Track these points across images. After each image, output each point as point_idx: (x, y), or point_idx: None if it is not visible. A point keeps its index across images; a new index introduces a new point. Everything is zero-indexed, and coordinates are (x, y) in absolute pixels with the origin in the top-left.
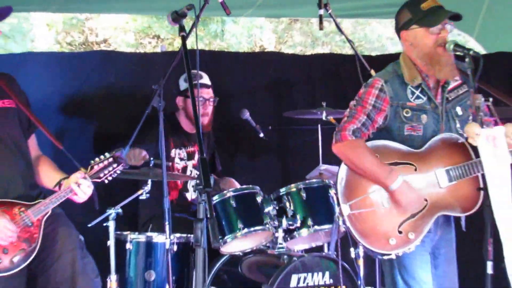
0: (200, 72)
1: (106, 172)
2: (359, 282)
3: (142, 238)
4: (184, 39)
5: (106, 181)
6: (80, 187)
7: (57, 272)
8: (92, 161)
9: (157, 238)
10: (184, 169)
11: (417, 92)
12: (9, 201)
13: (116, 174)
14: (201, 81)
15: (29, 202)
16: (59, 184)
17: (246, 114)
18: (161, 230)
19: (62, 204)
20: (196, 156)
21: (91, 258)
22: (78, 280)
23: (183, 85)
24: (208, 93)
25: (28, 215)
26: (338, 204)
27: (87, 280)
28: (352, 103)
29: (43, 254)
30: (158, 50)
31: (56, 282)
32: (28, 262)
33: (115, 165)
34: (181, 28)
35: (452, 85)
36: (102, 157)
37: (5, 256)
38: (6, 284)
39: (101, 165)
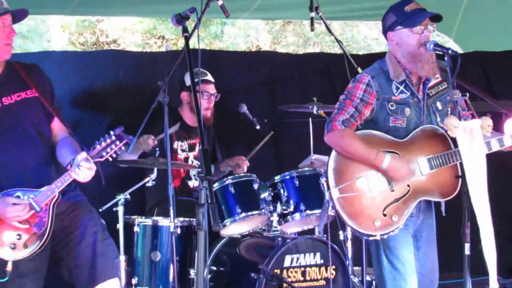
0: (204, 70)
1: (108, 150)
2: (347, 262)
3: (148, 221)
4: (187, 39)
5: (110, 159)
6: (80, 169)
7: (79, 253)
8: (96, 141)
9: (162, 221)
10: (186, 159)
11: (401, 88)
12: (19, 189)
13: (120, 151)
14: (205, 77)
15: (34, 189)
16: (69, 164)
17: (244, 108)
18: (166, 214)
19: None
20: (197, 148)
21: (112, 240)
22: (98, 260)
23: (188, 81)
24: (212, 89)
25: (36, 200)
26: (328, 189)
27: (107, 260)
28: (342, 97)
29: (67, 238)
30: (163, 49)
31: (78, 263)
32: (41, 244)
33: (117, 142)
34: (184, 29)
35: (433, 82)
36: (105, 136)
37: (18, 241)
38: (26, 266)
39: (103, 144)
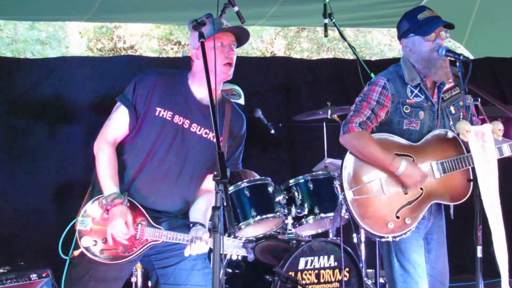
0: (237, 88)
1: (232, 250)
2: (361, 264)
3: None
4: (203, 45)
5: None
6: (194, 246)
7: (172, 274)
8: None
9: None
10: None
11: (416, 91)
12: (140, 209)
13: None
14: (238, 101)
15: (154, 223)
16: (193, 224)
17: (259, 113)
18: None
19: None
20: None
21: (211, 270)
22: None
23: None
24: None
25: (143, 231)
26: (342, 191)
27: None
28: (358, 99)
29: (166, 254)
30: (179, 55)
31: (169, 281)
32: (110, 262)
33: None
34: (201, 35)
35: (447, 86)
36: (238, 239)
37: (102, 244)
38: (112, 273)
39: (230, 241)
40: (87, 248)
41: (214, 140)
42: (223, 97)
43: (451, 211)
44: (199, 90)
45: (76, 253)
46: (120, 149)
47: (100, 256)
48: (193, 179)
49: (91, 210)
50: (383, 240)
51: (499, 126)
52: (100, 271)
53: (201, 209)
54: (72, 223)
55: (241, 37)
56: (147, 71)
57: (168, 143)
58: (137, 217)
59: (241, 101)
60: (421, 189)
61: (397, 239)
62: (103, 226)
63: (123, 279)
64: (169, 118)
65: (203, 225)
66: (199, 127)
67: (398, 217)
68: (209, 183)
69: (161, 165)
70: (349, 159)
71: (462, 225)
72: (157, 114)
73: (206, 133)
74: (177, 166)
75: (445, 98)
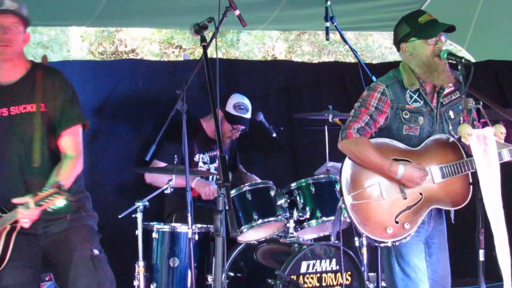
0: (246, 104)
1: (47, 201)
2: (362, 268)
3: (166, 228)
4: (205, 49)
5: (49, 209)
6: (19, 216)
7: (64, 282)
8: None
9: (180, 228)
10: (208, 171)
11: (415, 96)
12: None
13: (56, 205)
14: (245, 115)
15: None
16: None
17: (261, 116)
18: (184, 221)
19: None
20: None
21: (108, 267)
22: None
23: (231, 110)
24: (244, 127)
25: None
26: (341, 196)
27: None
28: (356, 104)
29: (52, 259)
30: (180, 58)
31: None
32: None
33: (56, 195)
34: (203, 39)
35: (446, 91)
36: (47, 186)
37: None
38: (13, 278)
39: (45, 193)
40: None
41: (34, 109)
42: (33, 68)
43: (452, 215)
44: (1, 74)
45: None
46: None
47: None
48: (34, 153)
49: None
50: (382, 245)
51: (501, 129)
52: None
53: (53, 173)
54: None
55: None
56: None
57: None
58: None
59: (248, 115)
60: (421, 194)
61: (397, 243)
62: None
63: (27, 285)
64: None
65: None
66: (16, 107)
67: (397, 222)
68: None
69: (2, 159)
70: (348, 164)
71: (464, 228)
72: None
73: (24, 107)
74: (15, 152)
75: (444, 103)
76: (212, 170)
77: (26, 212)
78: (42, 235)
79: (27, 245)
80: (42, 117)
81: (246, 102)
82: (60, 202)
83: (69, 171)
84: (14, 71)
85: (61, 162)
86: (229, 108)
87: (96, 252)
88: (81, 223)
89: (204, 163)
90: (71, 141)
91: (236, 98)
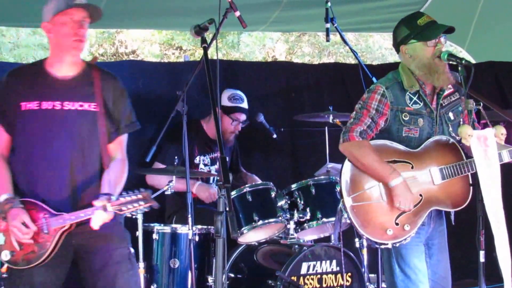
0: (240, 94)
1: (130, 207)
2: (363, 269)
3: (167, 229)
4: (205, 50)
5: (129, 215)
6: (93, 217)
7: (100, 280)
8: (124, 192)
9: (181, 229)
10: (209, 173)
11: (415, 98)
12: (40, 205)
13: (141, 211)
14: (242, 105)
15: (55, 212)
16: (97, 196)
17: (261, 117)
18: (184, 222)
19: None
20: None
21: (136, 271)
22: None
23: (225, 101)
24: (243, 117)
25: (48, 223)
26: (341, 197)
27: None
28: (357, 106)
29: (89, 258)
30: (180, 60)
31: (98, 285)
32: (35, 264)
33: (142, 203)
34: (203, 40)
35: (446, 92)
36: (134, 191)
37: (20, 251)
38: (42, 277)
39: (128, 198)
40: (9, 261)
41: (92, 108)
42: (88, 67)
43: (452, 217)
44: (58, 68)
45: (3, 269)
46: (10, 155)
47: (22, 263)
48: (86, 153)
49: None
50: (382, 246)
51: (501, 130)
52: (26, 279)
53: (106, 179)
54: None
55: (94, 14)
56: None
57: (47, 131)
58: (38, 213)
59: (244, 105)
60: (421, 195)
61: (397, 245)
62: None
63: (56, 283)
64: (37, 107)
65: (106, 194)
66: (71, 103)
67: (397, 224)
68: (114, 151)
69: (45, 154)
70: (347, 166)
71: (464, 230)
72: (23, 109)
73: (81, 105)
74: (64, 148)
75: (444, 105)
76: (212, 172)
77: (105, 215)
78: (79, 233)
79: (62, 244)
80: (100, 118)
81: (240, 93)
82: (142, 210)
83: (125, 173)
84: (72, 66)
85: (115, 165)
86: (224, 101)
87: (132, 250)
88: (117, 220)
89: (205, 165)
90: (122, 146)
91: (229, 91)
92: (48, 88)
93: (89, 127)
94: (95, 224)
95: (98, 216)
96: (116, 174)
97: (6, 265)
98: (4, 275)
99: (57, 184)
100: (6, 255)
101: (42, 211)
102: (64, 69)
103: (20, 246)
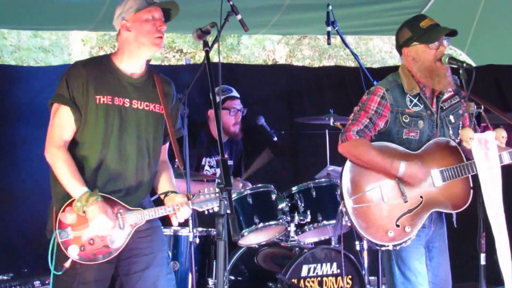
0: (228, 86)
1: (209, 204)
2: (363, 272)
3: (168, 231)
4: (207, 53)
5: (206, 212)
6: (179, 213)
7: (140, 280)
8: (202, 190)
9: (182, 231)
10: (214, 176)
11: (415, 100)
12: (114, 200)
13: (215, 211)
14: (232, 94)
15: (130, 207)
16: (165, 194)
17: (262, 120)
18: (185, 224)
19: None
20: None
21: (173, 275)
22: None
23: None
24: (238, 104)
25: (123, 219)
26: (342, 199)
27: None
28: (356, 108)
29: (133, 259)
30: (181, 62)
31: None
32: (106, 260)
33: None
34: (205, 44)
35: (446, 95)
36: (211, 189)
37: (90, 246)
38: (93, 274)
39: (207, 196)
40: (78, 256)
41: (156, 110)
42: (149, 70)
43: (454, 219)
44: (128, 65)
45: (67, 264)
46: (71, 148)
47: (93, 258)
48: (151, 152)
49: (66, 218)
50: (383, 248)
51: (502, 133)
52: (86, 274)
53: (166, 178)
54: (53, 238)
55: (171, 11)
56: (73, 64)
57: (118, 126)
58: (113, 208)
59: (234, 93)
60: (421, 197)
61: (398, 247)
62: (85, 229)
63: (106, 281)
64: (110, 102)
65: (174, 192)
66: (139, 102)
67: (398, 226)
68: (164, 153)
69: (119, 150)
70: (348, 168)
71: (465, 232)
72: (98, 102)
73: (147, 105)
74: (133, 146)
75: (444, 107)
76: (218, 174)
77: (187, 212)
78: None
79: None
80: (163, 120)
81: (226, 86)
82: (215, 208)
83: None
84: (141, 66)
85: (167, 167)
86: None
87: (170, 253)
88: (158, 223)
89: (211, 167)
90: (166, 149)
91: (216, 88)
92: (119, 84)
93: (154, 128)
94: (179, 220)
95: (183, 212)
96: (172, 175)
97: (70, 260)
98: (63, 271)
99: (124, 181)
100: (75, 250)
101: (116, 205)
102: (133, 67)
103: (91, 241)
